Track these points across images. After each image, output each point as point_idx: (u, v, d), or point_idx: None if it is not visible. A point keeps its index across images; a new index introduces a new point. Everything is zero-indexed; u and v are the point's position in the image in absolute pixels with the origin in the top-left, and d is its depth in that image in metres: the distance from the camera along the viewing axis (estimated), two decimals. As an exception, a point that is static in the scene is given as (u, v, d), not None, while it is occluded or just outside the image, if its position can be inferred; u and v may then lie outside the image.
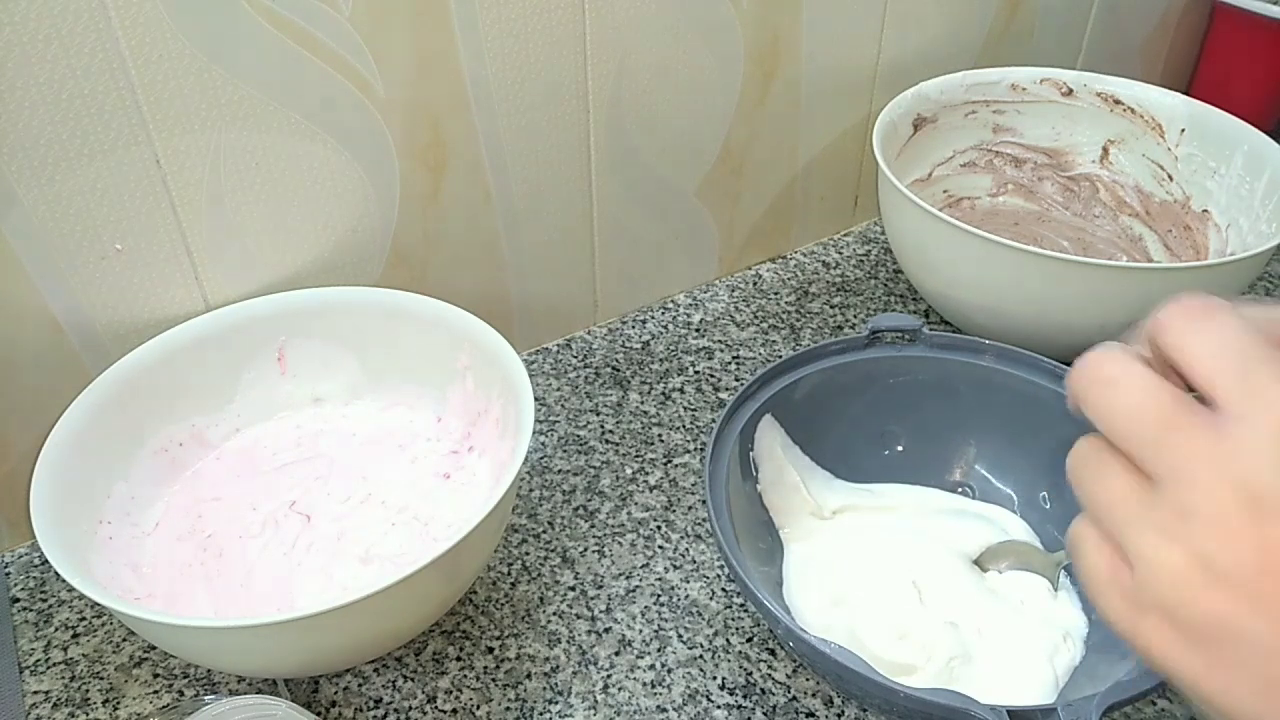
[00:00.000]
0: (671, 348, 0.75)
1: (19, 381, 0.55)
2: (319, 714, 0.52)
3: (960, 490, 0.61)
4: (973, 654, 0.51)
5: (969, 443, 0.61)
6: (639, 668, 0.54)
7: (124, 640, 0.55)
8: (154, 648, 0.54)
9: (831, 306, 0.79)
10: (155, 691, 0.53)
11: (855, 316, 0.78)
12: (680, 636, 0.55)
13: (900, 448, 0.62)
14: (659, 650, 0.55)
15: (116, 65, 0.50)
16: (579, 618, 0.56)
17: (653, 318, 0.78)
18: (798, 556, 0.57)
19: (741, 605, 0.57)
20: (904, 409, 0.61)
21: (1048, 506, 0.59)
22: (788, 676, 0.53)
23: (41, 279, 0.54)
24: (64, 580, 0.45)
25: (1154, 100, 0.78)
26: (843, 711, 0.52)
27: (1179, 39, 0.99)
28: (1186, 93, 0.78)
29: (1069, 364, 0.58)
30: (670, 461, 0.66)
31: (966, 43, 0.84)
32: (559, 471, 0.65)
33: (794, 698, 0.52)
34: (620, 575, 0.59)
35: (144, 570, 0.53)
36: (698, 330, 0.77)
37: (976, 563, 0.57)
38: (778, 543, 0.58)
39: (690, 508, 0.63)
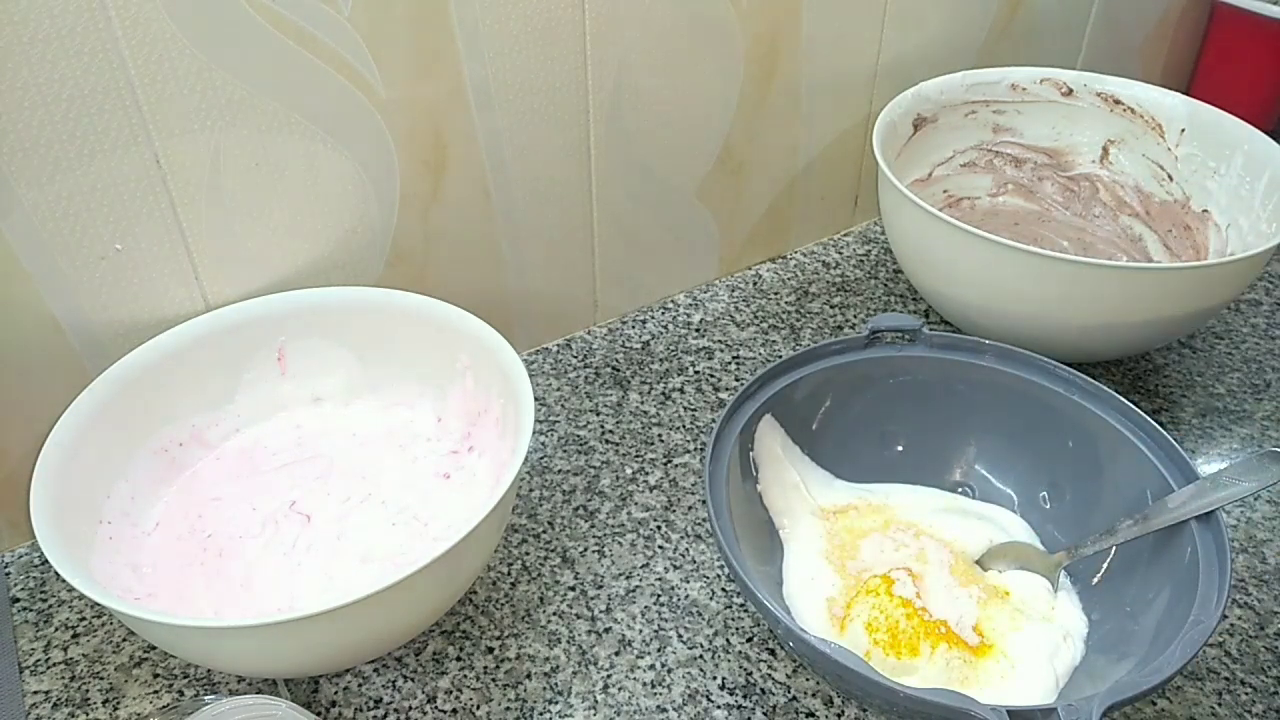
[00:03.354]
0: (671, 348, 0.75)
1: (19, 381, 0.55)
2: (319, 714, 0.52)
3: (960, 490, 0.61)
4: (973, 654, 0.51)
5: (969, 443, 0.61)
6: (639, 668, 0.54)
7: (124, 640, 0.55)
8: (154, 648, 0.54)
9: (831, 306, 0.79)
10: (155, 691, 0.53)
11: (855, 316, 0.78)
12: (680, 636, 0.55)
13: (900, 448, 0.62)
14: (659, 650, 0.55)
15: (116, 65, 0.50)
16: (579, 618, 0.56)
17: (653, 318, 0.78)
18: (798, 556, 0.57)
19: (741, 605, 0.57)
20: (904, 409, 0.61)
21: (1047, 506, 0.59)
22: (788, 676, 0.53)
23: (41, 279, 0.54)
24: (64, 580, 0.45)
25: (1154, 100, 0.78)
26: (843, 711, 0.52)
27: (1179, 39, 0.99)
28: (1186, 93, 0.78)
29: (1069, 364, 0.59)
30: (670, 461, 0.66)
31: (966, 43, 0.84)
32: (559, 471, 0.65)
33: (794, 698, 0.52)
34: (620, 575, 0.59)
35: (144, 570, 0.53)
36: (698, 330, 0.77)
37: (978, 563, 0.57)
38: (778, 543, 0.58)
39: (690, 508, 0.63)
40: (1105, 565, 0.55)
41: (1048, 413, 0.58)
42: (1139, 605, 0.51)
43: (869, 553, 0.57)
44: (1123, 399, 0.55)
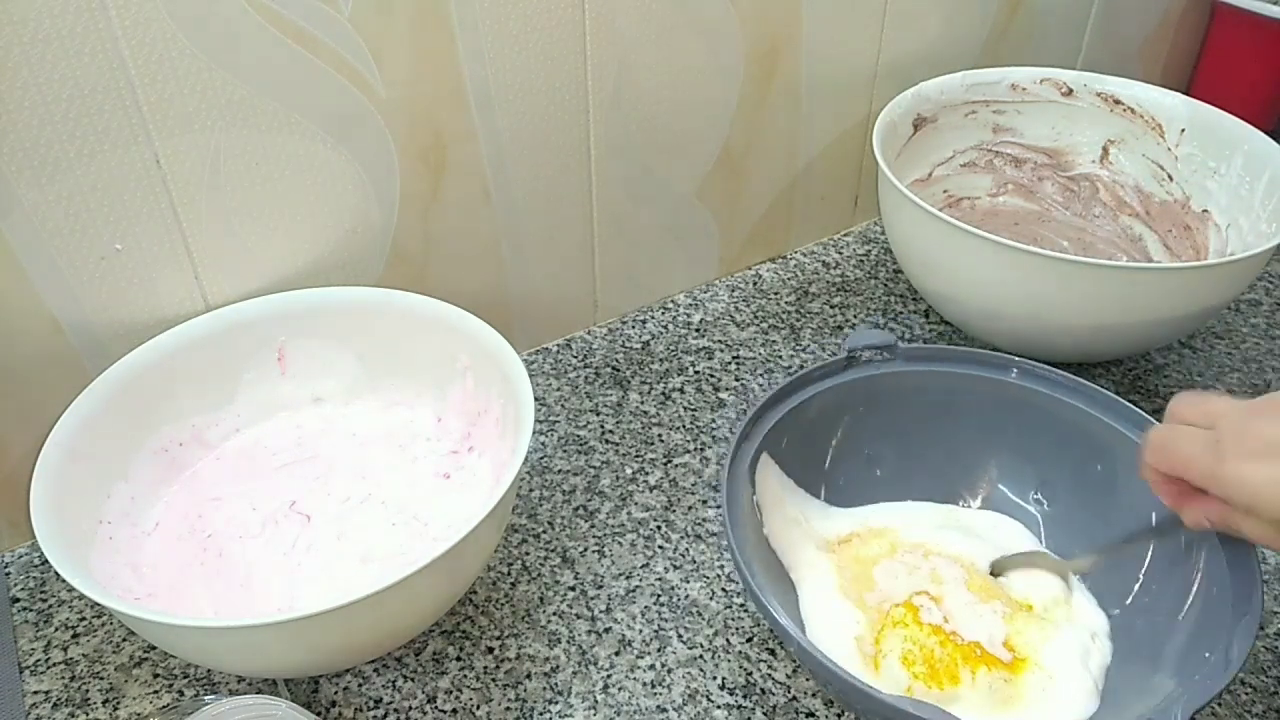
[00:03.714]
0: (671, 348, 0.75)
1: (19, 381, 0.55)
2: (319, 714, 0.52)
3: (959, 502, 0.61)
4: (1010, 672, 0.50)
5: (961, 452, 0.60)
6: (639, 668, 0.54)
7: (124, 640, 0.55)
8: (154, 648, 0.54)
9: (831, 306, 0.79)
10: (155, 691, 0.53)
11: (855, 316, 0.78)
12: (680, 636, 0.55)
13: (891, 466, 0.60)
14: (659, 650, 0.55)
15: (116, 65, 0.50)
16: (579, 618, 0.56)
17: (653, 318, 0.78)
18: (815, 595, 0.55)
19: (741, 605, 0.57)
20: (889, 426, 0.59)
21: (1046, 508, 0.59)
22: (788, 676, 0.53)
23: (41, 279, 0.54)
24: (64, 580, 0.45)
25: (1154, 100, 0.78)
26: (842, 712, 0.52)
27: (1179, 39, 0.99)
28: (1186, 93, 0.78)
29: (1069, 364, 0.59)
30: (670, 461, 0.66)
31: (966, 43, 0.84)
32: (559, 471, 0.65)
33: (794, 698, 0.52)
34: (620, 575, 0.59)
35: (144, 570, 0.53)
36: (698, 330, 0.77)
37: (990, 573, 0.56)
38: (789, 584, 0.55)
39: (690, 508, 0.63)
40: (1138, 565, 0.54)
41: (1036, 415, 0.57)
42: (1156, 594, 0.51)
43: (884, 580, 0.55)
44: (1123, 400, 0.55)
